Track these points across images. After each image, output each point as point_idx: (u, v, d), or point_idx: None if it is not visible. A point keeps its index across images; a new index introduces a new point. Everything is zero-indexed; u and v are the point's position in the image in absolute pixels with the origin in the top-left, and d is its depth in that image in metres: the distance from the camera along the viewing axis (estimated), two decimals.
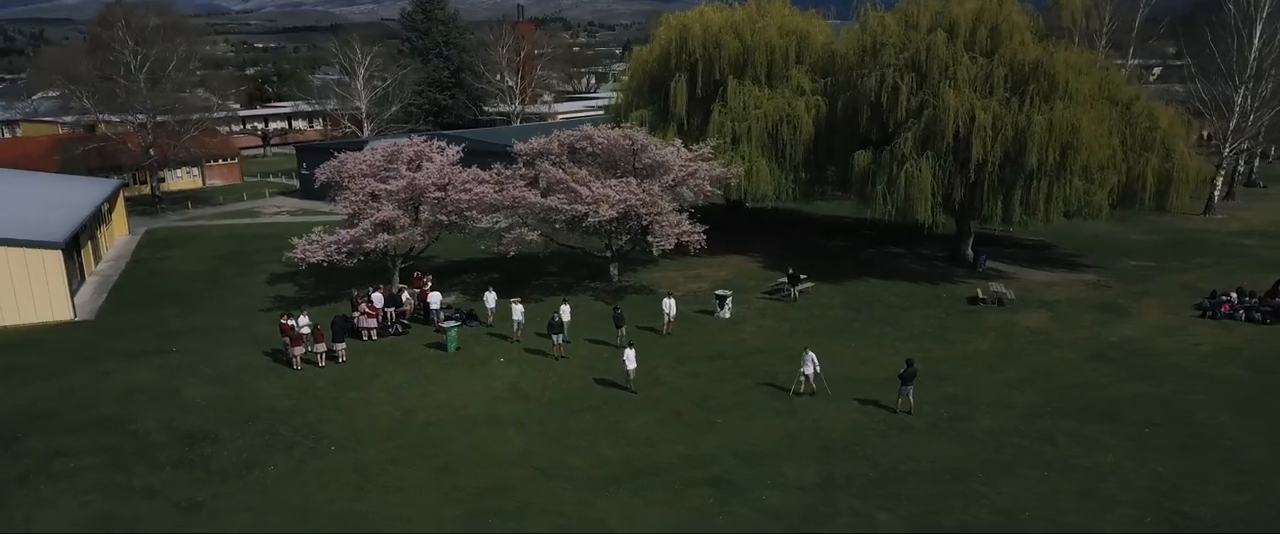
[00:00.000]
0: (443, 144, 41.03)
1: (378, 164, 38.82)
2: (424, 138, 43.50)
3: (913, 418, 25.54)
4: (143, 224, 58.84)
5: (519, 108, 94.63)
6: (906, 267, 43.88)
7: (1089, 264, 43.76)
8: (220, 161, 79.49)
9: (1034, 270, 42.61)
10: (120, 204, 55.57)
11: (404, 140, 42.29)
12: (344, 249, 36.51)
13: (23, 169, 57.68)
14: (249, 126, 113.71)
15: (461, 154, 40.73)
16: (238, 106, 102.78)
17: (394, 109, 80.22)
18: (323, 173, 38.85)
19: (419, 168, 38.59)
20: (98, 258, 47.74)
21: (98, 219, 48.38)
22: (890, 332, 33.92)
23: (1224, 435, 24.25)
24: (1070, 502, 20.75)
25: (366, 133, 78.92)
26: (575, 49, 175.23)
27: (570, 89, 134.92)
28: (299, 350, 30.28)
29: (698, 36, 47.31)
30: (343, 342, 30.97)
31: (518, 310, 32.89)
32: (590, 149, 38.81)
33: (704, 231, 37.76)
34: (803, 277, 38.90)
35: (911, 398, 25.89)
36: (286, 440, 24.57)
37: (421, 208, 38.58)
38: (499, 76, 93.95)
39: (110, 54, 62.56)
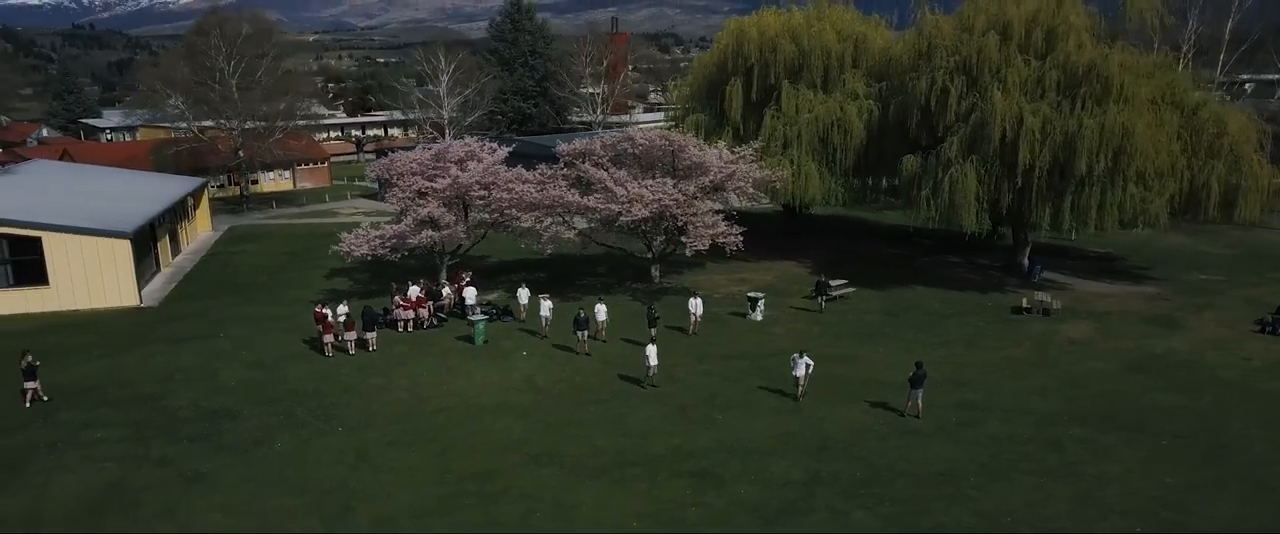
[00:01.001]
0: (493, 145, 42.00)
1: (426, 163, 39.96)
2: (477, 139, 44.59)
3: (920, 421, 24.99)
4: (228, 221, 61.74)
5: (600, 117, 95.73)
6: (958, 275, 42.83)
7: (1155, 277, 41.95)
8: (309, 165, 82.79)
9: (1093, 281, 41.08)
10: (205, 202, 58.48)
11: (458, 142, 43.46)
12: (388, 244, 37.69)
13: (127, 168, 61.25)
14: (347, 134, 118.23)
15: (508, 154, 41.62)
16: (332, 114, 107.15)
17: (476, 116, 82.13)
18: (373, 170, 40.20)
19: (466, 168, 39.56)
20: (177, 251, 50.32)
21: (179, 215, 51.05)
22: (923, 337, 33.21)
23: (1251, 449, 23.03)
24: (1062, 508, 20.03)
25: (447, 140, 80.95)
26: (668, 62, 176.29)
27: (662, 102, 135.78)
28: (330, 338, 31.41)
29: (754, 41, 47.30)
30: (373, 331, 31.96)
31: (546, 307, 33.39)
32: (631, 150, 39.17)
33: (741, 233, 37.65)
34: (835, 284, 38.37)
35: (920, 401, 25.32)
36: (299, 420, 25.52)
37: (469, 207, 39.55)
38: (582, 86, 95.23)
39: (206, 61, 66.00)
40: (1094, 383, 28.09)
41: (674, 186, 36.78)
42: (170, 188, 51.47)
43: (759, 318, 35.48)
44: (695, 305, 33.57)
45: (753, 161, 39.84)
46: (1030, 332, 33.66)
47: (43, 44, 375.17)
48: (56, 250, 37.96)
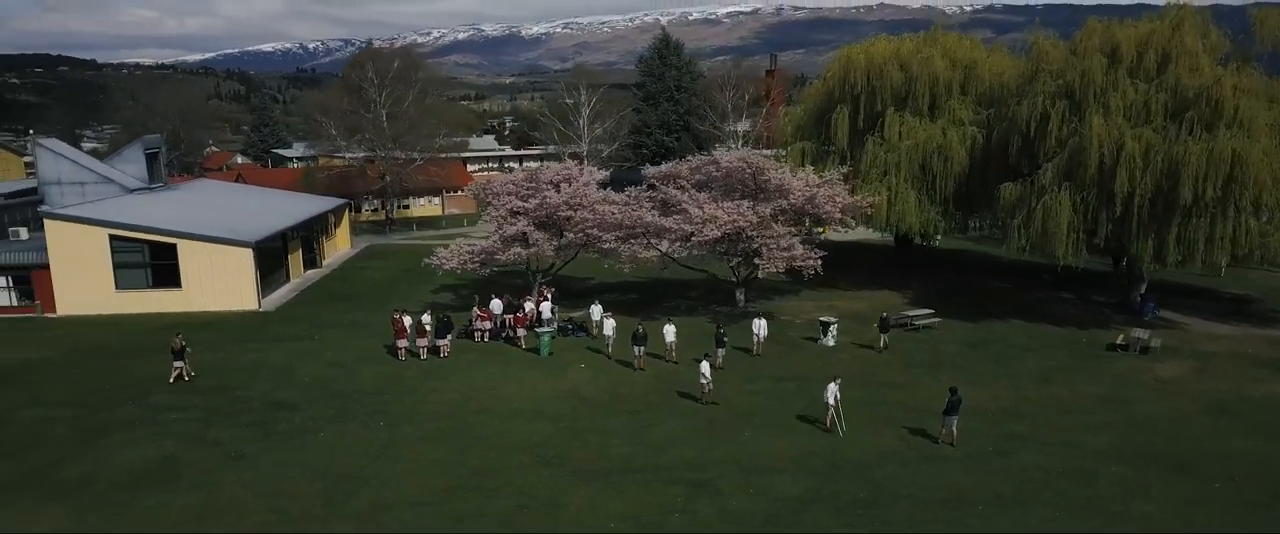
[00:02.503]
0: (592, 169, 43.26)
1: (521, 183, 41.57)
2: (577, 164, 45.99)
3: (954, 449, 23.97)
4: (369, 241, 65.82)
5: (743, 150, 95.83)
6: (1063, 311, 40.51)
7: None
8: (456, 192, 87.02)
9: (1212, 322, 38.01)
10: (345, 221, 62.63)
11: (557, 164, 45.00)
12: (477, 259, 39.40)
13: (284, 190, 66.44)
14: (503, 165, 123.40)
15: (605, 178, 42.76)
16: (477, 144, 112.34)
17: (614, 148, 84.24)
18: (469, 190, 42.15)
19: (559, 189, 40.88)
20: (313, 264, 54.09)
21: (315, 231, 54.95)
22: (995, 370, 31.71)
23: None
24: None
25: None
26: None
27: None
28: (403, 343, 33.14)
29: (861, 68, 46.73)
30: (445, 338, 33.48)
31: (609, 325, 34.03)
32: (715, 173, 39.44)
33: (820, 258, 37.15)
34: (919, 314, 37.15)
35: (954, 428, 24.30)
36: (350, 415, 27.11)
37: (560, 227, 40.81)
38: (728, 121, 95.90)
39: (362, 94, 71.02)
40: (1162, 422, 26.07)
41: (750, 208, 36.75)
42: (304, 206, 55.50)
43: (831, 343, 34.83)
44: (759, 326, 33.40)
45: (840, 186, 39.24)
46: (1115, 369, 31.53)
47: (270, 86, 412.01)
48: (188, 256, 41.81)
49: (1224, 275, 43.27)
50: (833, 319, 35.63)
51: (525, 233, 39.36)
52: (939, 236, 56.42)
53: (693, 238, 36.82)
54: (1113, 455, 23.45)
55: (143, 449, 24.47)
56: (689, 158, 41.52)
